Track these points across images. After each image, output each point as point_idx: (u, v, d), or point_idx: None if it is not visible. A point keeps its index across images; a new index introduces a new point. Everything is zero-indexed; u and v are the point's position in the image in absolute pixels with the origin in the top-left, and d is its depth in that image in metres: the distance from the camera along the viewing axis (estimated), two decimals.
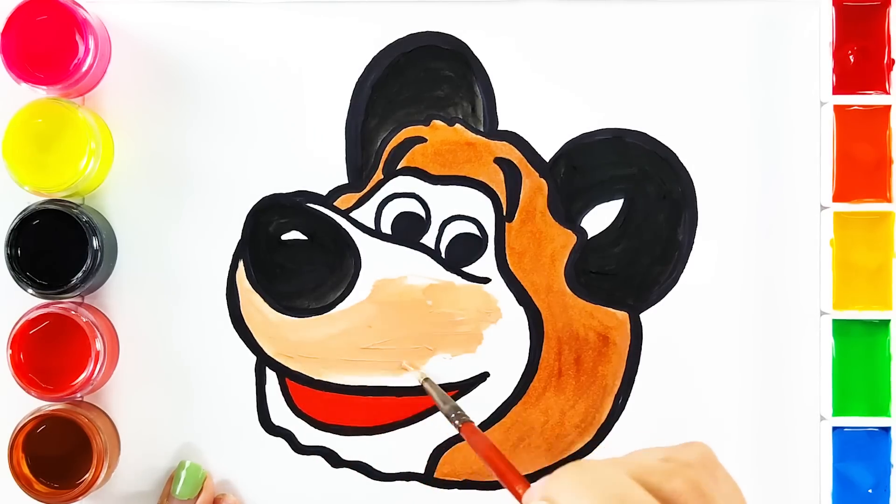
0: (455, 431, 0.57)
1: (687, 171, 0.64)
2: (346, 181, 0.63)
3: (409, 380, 0.63)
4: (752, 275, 0.63)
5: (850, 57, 0.63)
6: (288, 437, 0.63)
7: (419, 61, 0.63)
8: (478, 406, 0.63)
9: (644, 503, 0.38)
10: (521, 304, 0.63)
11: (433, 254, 0.63)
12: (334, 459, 0.63)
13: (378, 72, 0.63)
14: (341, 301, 0.63)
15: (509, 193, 0.63)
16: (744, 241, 0.63)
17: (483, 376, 0.63)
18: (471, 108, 0.64)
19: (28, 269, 0.59)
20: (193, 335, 0.63)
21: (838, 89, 0.63)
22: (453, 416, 0.57)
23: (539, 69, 0.63)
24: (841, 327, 0.63)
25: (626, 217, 0.64)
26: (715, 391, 0.63)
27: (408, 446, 0.63)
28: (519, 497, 0.44)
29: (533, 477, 0.63)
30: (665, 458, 0.41)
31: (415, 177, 0.63)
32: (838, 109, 0.63)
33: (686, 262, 0.63)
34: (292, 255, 0.63)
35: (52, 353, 0.59)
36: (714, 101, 0.63)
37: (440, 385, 0.62)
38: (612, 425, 0.63)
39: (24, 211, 0.59)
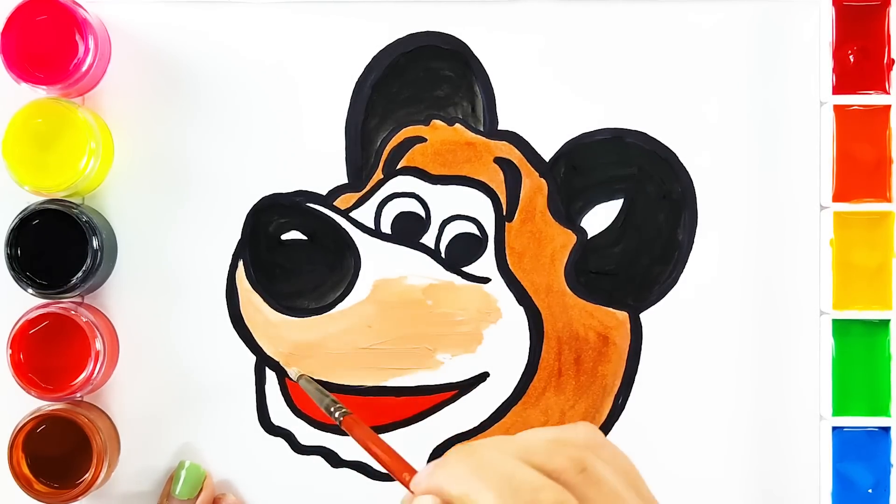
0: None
1: (687, 171, 0.64)
2: (346, 181, 0.63)
3: (410, 380, 0.63)
4: (752, 275, 0.63)
5: (850, 57, 0.63)
6: (288, 437, 0.63)
7: (419, 61, 0.63)
8: (478, 406, 0.63)
9: (531, 481, 0.38)
10: (521, 304, 0.63)
11: (433, 254, 0.63)
12: (334, 459, 0.63)
13: (378, 72, 0.63)
14: (341, 301, 0.63)
15: (509, 193, 0.63)
16: (744, 241, 0.63)
17: (483, 376, 0.63)
18: (471, 107, 0.64)
19: (28, 269, 0.59)
20: (193, 335, 0.63)
21: (838, 89, 0.63)
22: (332, 409, 0.55)
23: (539, 69, 0.63)
24: (841, 327, 0.63)
25: (626, 217, 0.64)
26: (715, 391, 0.63)
27: (408, 446, 0.63)
28: (406, 483, 0.44)
29: None
30: (550, 439, 0.41)
31: (415, 176, 0.63)
32: (838, 109, 0.63)
33: (686, 262, 0.63)
34: (292, 254, 0.63)
35: (52, 353, 0.59)
36: (714, 100, 0.63)
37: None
38: (612, 425, 0.63)
39: (24, 211, 0.59)
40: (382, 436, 0.63)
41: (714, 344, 0.63)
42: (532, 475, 0.39)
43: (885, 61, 0.63)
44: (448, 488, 0.39)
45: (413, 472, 0.44)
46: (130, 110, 0.63)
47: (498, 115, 0.63)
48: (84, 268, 0.59)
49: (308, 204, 0.63)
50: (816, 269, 0.63)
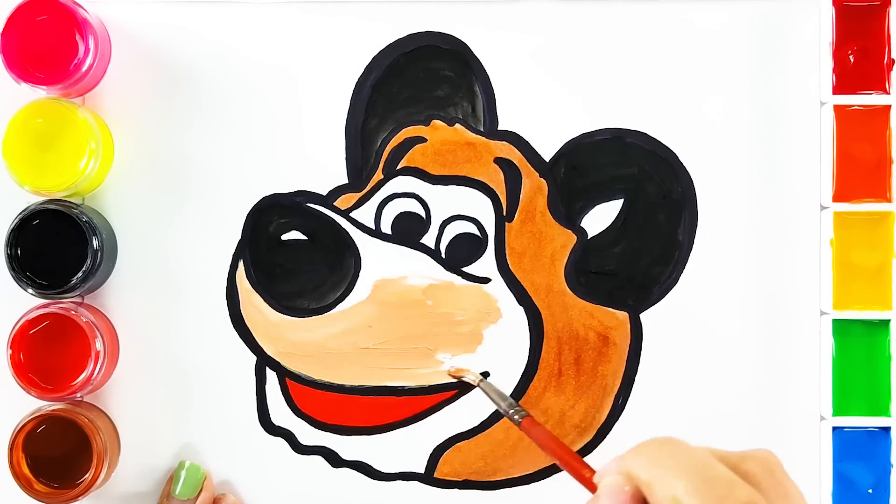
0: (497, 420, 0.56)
1: (687, 171, 0.64)
2: (346, 181, 0.63)
3: (408, 379, 0.63)
4: (752, 275, 0.63)
5: (850, 57, 0.63)
6: (288, 437, 0.63)
7: (419, 61, 0.63)
8: (478, 406, 0.63)
9: (725, 477, 0.38)
10: (521, 304, 0.63)
11: (433, 254, 0.63)
12: (334, 459, 0.63)
13: (378, 72, 0.63)
14: (341, 301, 0.63)
15: (509, 193, 0.63)
16: (744, 241, 0.63)
17: (483, 376, 0.63)
18: (471, 107, 0.64)
19: (28, 269, 0.59)
20: (193, 335, 0.63)
21: (838, 89, 0.63)
22: (512, 412, 0.57)
23: (539, 69, 0.63)
24: (841, 327, 0.63)
25: (626, 217, 0.64)
26: (715, 391, 0.63)
27: (408, 446, 0.63)
28: (587, 481, 0.44)
29: (532, 477, 0.63)
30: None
31: (415, 177, 0.63)
32: (838, 109, 0.63)
33: (686, 262, 0.63)
34: (292, 255, 0.63)
35: (52, 353, 0.59)
36: (714, 100, 0.63)
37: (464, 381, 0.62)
38: (612, 425, 0.63)
39: (24, 211, 0.59)
40: (382, 436, 0.63)
41: (714, 344, 0.63)
42: (726, 471, 0.38)
43: (885, 61, 0.63)
44: (638, 472, 0.39)
45: (593, 471, 0.44)
46: (130, 110, 0.63)
47: (498, 115, 0.63)
48: (84, 268, 0.59)
49: (308, 204, 0.63)
50: (816, 269, 0.63)
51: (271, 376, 0.63)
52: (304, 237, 0.63)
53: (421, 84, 0.64)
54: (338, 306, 0.63)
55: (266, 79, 0.63)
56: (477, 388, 0.61)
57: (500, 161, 0.63)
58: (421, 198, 0.63)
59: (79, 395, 0.61)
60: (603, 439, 0.63)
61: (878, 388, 0.63)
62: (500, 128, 0.63)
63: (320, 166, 0.63)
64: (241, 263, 0.63)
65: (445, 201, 0.63)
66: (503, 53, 0.63)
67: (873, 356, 0.63)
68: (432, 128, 0.64)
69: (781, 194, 0.63)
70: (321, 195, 0.63)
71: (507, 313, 0.63)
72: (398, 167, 0.63)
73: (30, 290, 0.60)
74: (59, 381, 0.59)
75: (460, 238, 0.63)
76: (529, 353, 0.63)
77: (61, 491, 0.59)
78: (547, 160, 0.63)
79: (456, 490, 0.63)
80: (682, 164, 0.63)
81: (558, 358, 0.63)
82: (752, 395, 0.63)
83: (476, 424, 0.63)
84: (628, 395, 0.63)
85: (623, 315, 0.63)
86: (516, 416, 0.55)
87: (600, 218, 0.63)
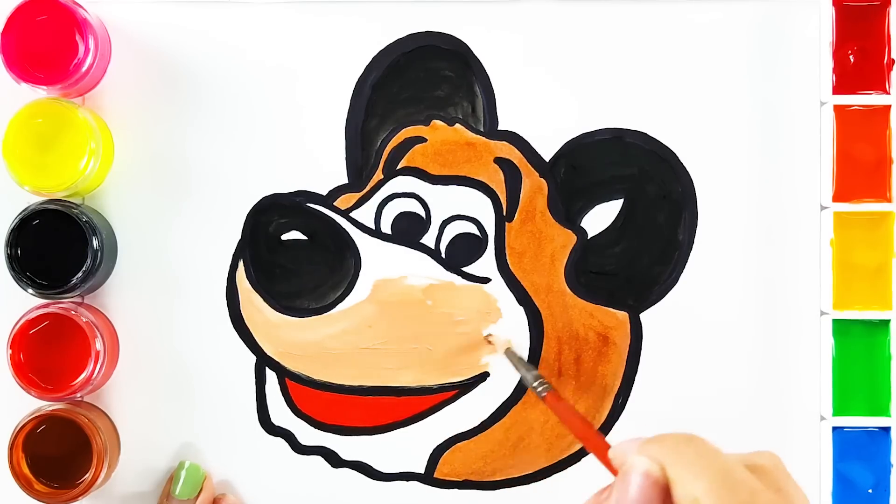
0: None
1: (687, 171, 0.64)
2: (346, 181, 0.63)
3: (409, 379, 0.63)
4: (752, 275, 0.63)
5: (850, 57, 0.63)
6: (288, 437, 0.63)
7: (419, 61, 0.63)
8: (478, 406, 0.63)
9: (749, 483, 0.37)
10: (521, 304, 0.63)
11: (433, 254, 0.63)
12: (334, 459, 0.63)
13: (378, 72, 0.63)
14: (341, 301, 0.63)
15: (509, 193, 0.63)
16: (744, 241, 0.63)
17: (483, 376, 0.63)
18: (471, 108, 0.64)
19: (28, 269, 0.59)
20: (193, 335, 0.63)
21: (838, 89, 0.63)
22: (535, 384, 0.57)
23: (539, 69, 0.63)
24: (841, 327, 0.63)
25: (626, 217, 0.64)
26: (715, 391, 0.63)
27: (408, 446, 0.63)
28: (608, 461, 0.44)
29: (532, 477, 0.63)
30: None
31: (415, 177, 0.63)
32: (838, 109, 0.63)
33: (686, 262, 0.63)
34: (292, 255, 0.63)
35: (52, 353, 0.59)
36: (714, 101, 0.63)
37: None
38: (612, 425, 0.63)
39: (24, 211, 0.59)
40: (382, 436, 0.63)
41: (714, 344, 0.63)
42: (749, 476, 0.38)
43: (885, 61, 0.63)
44: (666, 463, 0.39)
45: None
46: (130, 110, 0.63)
47: (498, 115, 0.63)
48: (84, 268, 0.59)
49: (308, 204, 0.63)
50: (816, 269, 0.63)
51: (271, 376, 0.63)
52: (304, 237, 0.63)
53: (421, 84, 0.64)
54: (338, 306, 0.63)
55: (266, 79, 0.63)
56: (502, 360, 0.61)
57: (500, 161, 0.63)
58: (421, 198, 0.63)
59: (79, 395, 0.61)
60: None
61: (878, 388, 0.63)
62: (500, 128, 0.63)
63: (320, 166, 0.63)
64: (241, 263, 0.63)
65: (445, 201, 0.63)
66: (503, 53, 0.63)
67: (873, 356, 0.63)
68: (432, 128, 0.64)
69: (781, 194, 0.63)
70: (321, 195, 0.63)
71: (507, 313, 0.63)
72: (398, 167, 0.63)
73: (30, 290, 0.60)
74: (59, 381, 0.59)
75: (460, 238, 0.63)
76: (529, 354, 0.63)
77: (61, 491, 0.59)
78: (547, 160, 0.63)
79: (456, 490, 0.63)
80: (682, 164, 0.63)
81: (558, 358, 0.63)
82: (752, 395, 0.63)
83: (476, 425, 0.63)
84: (628, 395, 0.63)
85: (623, 315, 0.63)
86: (540, 389, 0.56)
87: (600, 218, 0.63)
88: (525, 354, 0.63)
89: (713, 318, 0.63)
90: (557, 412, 0.54)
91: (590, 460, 0.63)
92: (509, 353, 0.61)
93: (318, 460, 0.63)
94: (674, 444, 0.39)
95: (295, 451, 0.63)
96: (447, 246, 0.63)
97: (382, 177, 0.63)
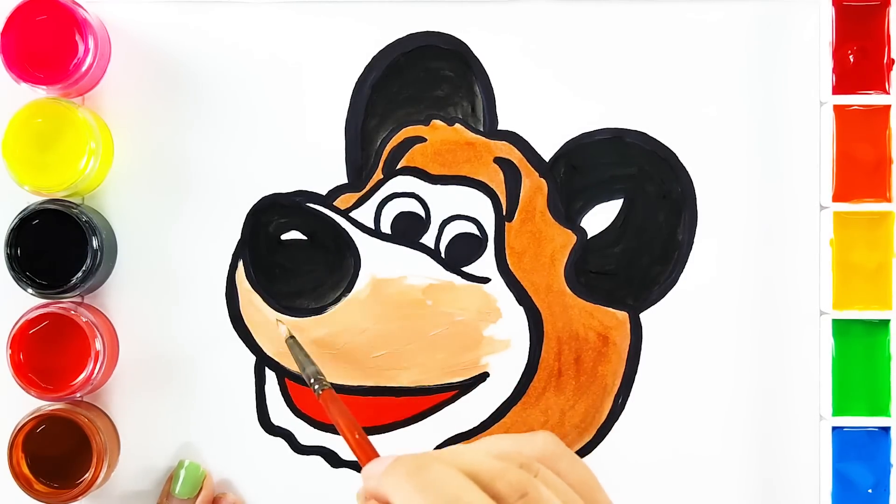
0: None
1: (687, 171, 0.64)
2: (346, 181, 0.63)
3: (408, 380, 0.63)
4: (752, 275, 0.63)
5: (850, 57, 0.63)
6: (287, 437, 0.63)
7: (419, 61, 0.64)
8: (478, 406, 0.63)
9: None
10: (520, 304, 0.63)
11: (433, 253, 0.63)
12: (334, 459, 0.63)
13: (378, 72, 0.63)
14: (341, 301, 0.63)
15: (509, 193, 0.63)
16: (744, 241, 0.63)
17: (483, 376, 0.63)
18: (470, 107, 0.64)
19: (28, 268, 0.59)
20: (193, 335, 0.63)
21: (838, 89, 0.63)
22: (313, 381, 0.56)
23: (539, 69, 0.63)
24: (841, 327, 0.63)
25: (626, 217, 0.64)
26: (715, 391, 0.63)
27: (408, 446, 0.63)
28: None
29: None
30: (501, 454, 0.40)
31: (414, 176, 0.63)
32: (838, 109, 0.63)
33: (686, 262, 0.63)
34: (292, 255, 0.63)
35: (52, 353, 0.59)
36: (714, 101, 0.63)
37: None
38: (612, 425, 0.63)
39: (23, 211, 0.59)
40: (383, 435, 0.63)
41: (714, 344, 0.63)
42: (479, 498, 0.37)
43: (885, 61, 0.63)
44: (393, 501, 0.39)
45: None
46: (130, 110, 0.63)
47: (498, 115, 0.63)
48: (84, 268, 0.59)
49: (308, 204, 0.63)
50: (816, 269, 0.63)
51: (271, 376, 0.63)
52: (304, 237, 0.63)
53: (421, 84, 0.64)
54: (337, 306, 0.63)
55: (266, 79, 0.63)
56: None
57: (499, 161, 0.63)
58: (421, 197, 0.63)
59: (78, 394, 0.61)
60: (603, 439, 0.63)
61: (877, 388, 0.63)
62: (499, 128, 0.63)
63: (320, 166, 0.63)
64: (240, 263, 0.63)
65: (445, 201, 0.63)
66: (503, 53, 0.63)
67: (873, 356, 0.63)
68: (432, 128, 0.64)
69: (781, 194, 0.63)
70: (321, 195, 0.63)
71: (506, 313, 0.63)
72: (398, 167, 0.63)
73: (30, 290, 0.60)
74: (58, 381, 0.59)
75: (460, 238, 0.63)
76: (529, 353, 0.63)
77: (61, 491, 0.59)
78: (547, 160, 0.63)
79: None
80: (681, 163, 0.63)
81: (558, 358, 0.63)
82: (752, 395, 0.63)
83: (476, 425, 0.63)
84: (628, 395, 0.63)
85: (623, 315, 0.63)
86: (317, 386, 0.55)
87: (600, 218, 0.63)
88: (525, 357, 0.63)
89: (713, 317, 0.63)
90: (329, 412, 0.53)
91: (589, 460, 0.63)
92: (290, 343, 0.59)
93: (317, 460, 0.63)
94: (405, 473, 0.39)
95: (294, 451, 0.63)
96: (447, 246, 0.63)
97: (382, 177, 0.63)
